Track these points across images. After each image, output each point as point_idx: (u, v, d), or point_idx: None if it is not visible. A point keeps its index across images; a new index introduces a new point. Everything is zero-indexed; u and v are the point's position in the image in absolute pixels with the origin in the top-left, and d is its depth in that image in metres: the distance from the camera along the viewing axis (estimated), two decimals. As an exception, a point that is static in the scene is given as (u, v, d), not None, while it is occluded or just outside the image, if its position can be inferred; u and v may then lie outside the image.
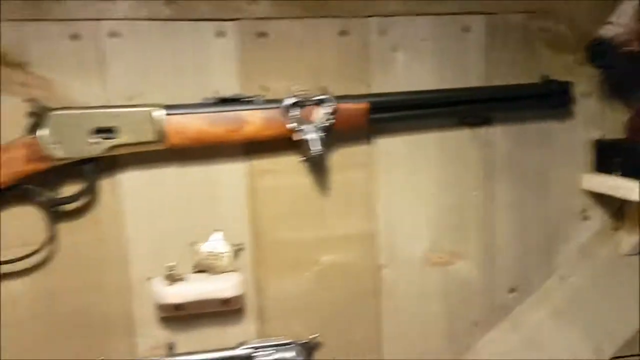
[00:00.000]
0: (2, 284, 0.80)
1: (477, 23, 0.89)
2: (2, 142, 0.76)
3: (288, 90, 0.82)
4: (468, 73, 0.90)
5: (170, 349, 0.85)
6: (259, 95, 0.81)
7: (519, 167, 0.95)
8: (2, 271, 0.79)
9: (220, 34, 0.82)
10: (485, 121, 0.91)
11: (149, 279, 0.84)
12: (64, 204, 0.78)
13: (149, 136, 0.77)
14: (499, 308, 0.97)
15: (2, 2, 0.73)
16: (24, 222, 0.79)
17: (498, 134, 0.93)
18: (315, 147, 0.78)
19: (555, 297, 1.00)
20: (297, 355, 0.87)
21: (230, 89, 0.82)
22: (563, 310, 1.00)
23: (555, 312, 1.00)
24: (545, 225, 0.97)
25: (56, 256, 0.82)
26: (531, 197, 0.96)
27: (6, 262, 0.78)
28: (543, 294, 0.99)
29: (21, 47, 0.77)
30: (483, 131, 0.92)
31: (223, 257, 0.85)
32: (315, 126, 0.79)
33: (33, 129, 0.75)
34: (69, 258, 0.82)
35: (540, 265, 0.98)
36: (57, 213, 0.79)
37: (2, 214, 0.79)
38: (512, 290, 0.98)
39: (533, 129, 0.94)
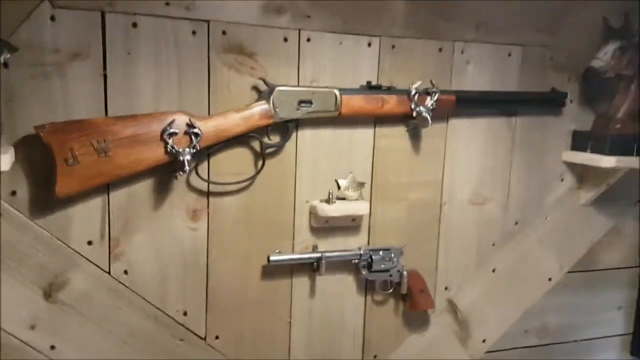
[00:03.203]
0: (218, 198, 1.24)
1: (516, 51, 1.45)
2: (233, 105, 1.19)
3: (405, 83, 1.33)
4: (508, 81, 1.46)
5: (315, 249, 1.34)
6: (392, 85, 1.32)
7: (528, 144, 1.52)
8: (219, 190, 1.24)
9: (369, 44, 1.31)
10: (513, 113, 1.49)
11: (307, 201, 1.33)
12: (273, 148, 1.24)
13: (331, 107, 1.25)
14: (508, 234, 1.56)
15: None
16: (239, 158, 1.24)
17: (519, 122, 1.51)
18: (428, 122, 1.31)
19: (540, 229, 1.60)
20: (394, 257, 1.40)
21: (371, 80, 1.31)
22: (543, 238, 1.61)
23: (539, 239, 1.61)
24: (539, 182, 1.56)
25: (255, 183, 1.27)
26: (533, 164, 1.55)
27: (225, 184, 1.23)
28: (533, 227, 1.60)
29: (253, 43, 1.21)
30: (512, 120, 1.50)
31: (354, 190, 1.36)
32: (426, 108, 1.32)
33: (263, 97, 1.20)
34: (262, 184, 1.27)
35: (534, 208, 1.57)
36: (265, 153, 1.24)
37: (225, 152, 1.23)
38: (516, 223, 1.57)
39: (538, 120, 1.53)
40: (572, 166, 1.57)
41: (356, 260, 1.34)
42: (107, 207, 1.14)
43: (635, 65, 1.41)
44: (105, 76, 1.10)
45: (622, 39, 1.40)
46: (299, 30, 1.23)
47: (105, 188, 1.13)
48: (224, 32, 1.17)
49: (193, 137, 1.11)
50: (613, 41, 1.41)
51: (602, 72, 1.38)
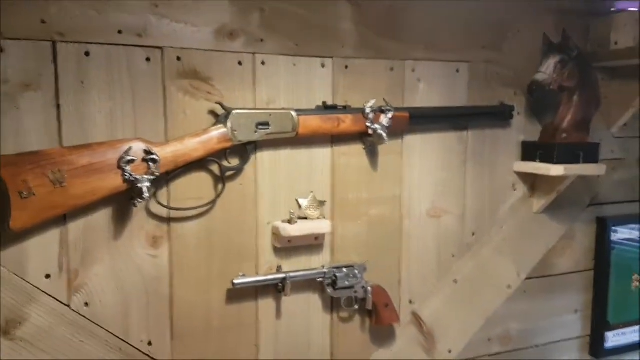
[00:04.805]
0: (179, 224, 1.26)
1: (463, 67, 1.54)
2: (191, 130, 1.22)
3: (359, 102, 1.39)
4: (457, 97, 1.54)
5: (279, 269, 1.37)
6: (348, 105, 1.37)
7: (480, 157, 1.60)
8: (179, 215, 1.26)
9: (323, 65, 1.37)
10: (464, 127, 1.57)
11: (269, 223, 1.36)
12: (233, 171, 1.27)
13: (288, 128, 1.29)
14: (465, 245, 1.63)
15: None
16: (199, 183, 1.26)
17: (470, 136, 1.59)
18: (384, 139, 1.37)
19: (496, 238, 1.68)
20: (358, 273, 1.44)
21: (326, 100, 1.37)
22: (500, 247, 1.69)
23: (496, 248, 1.68)
24: (492, 193, 1.64)
25: (216, 207, 1.29)
26: (486, 175, 1.63)
27: (185, 209, 1.24)
28: (490, 237, 1.67)
29: (208, 68, 1.24)
30: (463, 134, 1.58)
31: (315, 209, 1.40)
32: (382, 126, 1.38)
33: (221, 121, 1.23)
34: (222, 208, 1.29)
35: (490, 218, 1.65)
36: (225, 177, 1.27)
37: (185, 177, 1.25)
38: (473, 233, 1.64)
39: (488, 133, 1.61)
40: (523, 176, 1.65)
41: (321, 279, 1.37)
42: (64, 239, 1.13)
43: (576, 77, 1.51)
44: (58, 106, 1.11)
45: (562, 53, 1.50)
46: (253, 54, 1.27)
47: (62, 219, 1.13)
48: (178, 58, 1.20)
49: (151, 163, 1.13)
50: (554, 55, 1.51)
51: (546, 84, 1.47)
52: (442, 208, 1.55)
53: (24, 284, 1.11)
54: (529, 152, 1.61)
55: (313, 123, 1.29)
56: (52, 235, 1.12)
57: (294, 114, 1.27)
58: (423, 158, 1.51)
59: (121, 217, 1.18)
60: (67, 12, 1.10)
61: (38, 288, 1.12)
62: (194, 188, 1.24)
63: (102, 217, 1.17)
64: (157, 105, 1.19)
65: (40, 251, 1.12)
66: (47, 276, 1.13)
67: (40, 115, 1.10)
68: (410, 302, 1.54)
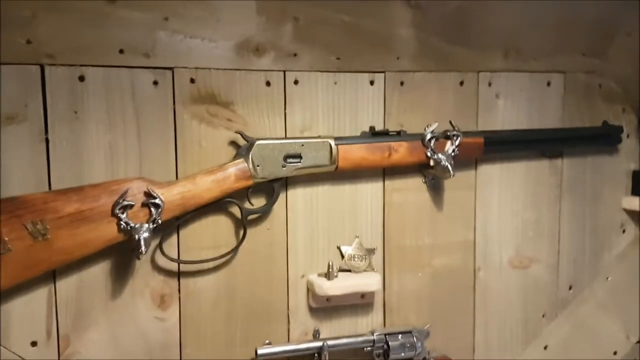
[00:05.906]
0: (192, 279, 1.04)
1: (556, 79, 1.23)
2: (207, 165, 1.01)
3: (419, 126, 1.12)
4: (548, 117, 1.23)
5: (316, 334, 1.12)
6: (402, 130, 1.10)
7: (578, 190, 1.29)
8: (193, 269, 1.04)
9: (372, 82, 1.11)
10: (558, 154, 1.25)
11: (303, 276, 1.11)
12: (256, 214, 1.04)
13: (325, 161, 1.04)
14: (561, 302, 1.30)
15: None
16: (216, 228, 1.05)
17: (565, 164, 1.27)
18: (449, 172, 1.08)
19: (599, 293, 1.34)
20: (417, 340, 1.16)
21: (375, 124, 1.11)
22: (604, 303, 1.35)
23: (600, 305, 1.34)
24: (595, 236, 1.32)
25: (237, 257, 1.07)
26: (586, 214, 1.30)
27: (199, 262, 1.03)
28: (591, 291, 1.33)
29: (228, 91, 1.03)
30: (556, 162, 1.26)
31: (362, 258, 1.13)
32: (447, 156, 1.10)
33: (241, 154, 1.01)
34: (246, 258, 1.06)
35: (591, 267, 1.32)
36: (247, 221, 1.04)
37: (199, 222, 1.04)
38: (570, 287, 1.31)
39: (589, 161, 1.29)
40: (633, 214, 1.34)
41: (369, 348, 1.11)
42: (53, 299, 0.95)
43: None
44: (47, 141, 0.93)
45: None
46: (284, 71, 1.05)
47: (50, 275, 0.95)
48: (192, 80, 1.00)
49: (153, 208, 0.92)
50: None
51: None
52: (529, 256, 1.25)
53: (6, 353, 0.93)
54: (642, 184, 1.27)
55: (357, 154, 1.04)
56: (38, 295, 0.95)
57: (332, 143, 1.02)
58: (504, 193, 1.22)
59: (122, 272, 0.99)
60: (58, 29, 0.92)
61: (22, 358, 0.94)
62: (210, 235, 1.03)
63: (99, 271, 0.98)
64: (167, 137, 1.00)
65: (25, 314, 0.95)
66: (33, 344, 0.96)
67: (25, 152, 0.93)
68: (487, 374, 1.23)
